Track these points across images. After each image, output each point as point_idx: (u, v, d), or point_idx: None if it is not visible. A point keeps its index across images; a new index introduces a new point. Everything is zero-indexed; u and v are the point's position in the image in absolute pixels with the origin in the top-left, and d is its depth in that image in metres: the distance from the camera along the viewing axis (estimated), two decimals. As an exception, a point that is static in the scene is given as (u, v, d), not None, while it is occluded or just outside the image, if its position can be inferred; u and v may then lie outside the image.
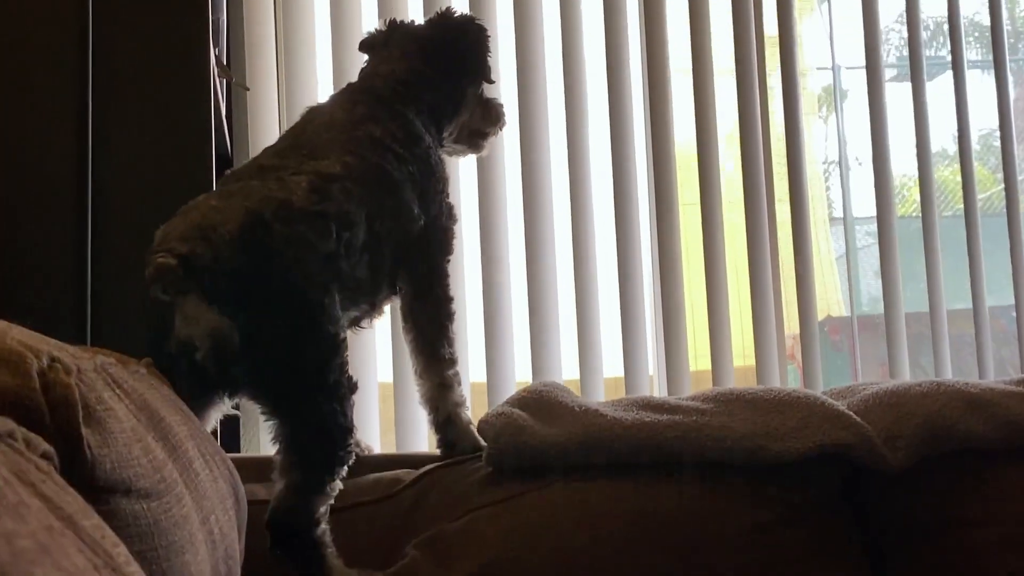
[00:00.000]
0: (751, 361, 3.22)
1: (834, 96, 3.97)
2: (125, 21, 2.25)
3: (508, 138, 2.38)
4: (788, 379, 3.26)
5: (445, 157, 2.10)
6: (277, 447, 1.63)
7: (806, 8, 4.76)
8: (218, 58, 2.46)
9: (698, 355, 3.32)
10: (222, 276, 1.50)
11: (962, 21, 3.45)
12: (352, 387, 1.66)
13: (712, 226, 3.20)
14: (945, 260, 3.33)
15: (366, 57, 2.19)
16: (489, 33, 2.17)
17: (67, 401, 0.95)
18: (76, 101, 2.18)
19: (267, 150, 1.89)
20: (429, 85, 2.05)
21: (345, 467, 1.66)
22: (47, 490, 0.65)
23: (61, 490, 0.68)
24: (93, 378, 1.04)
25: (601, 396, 3.00)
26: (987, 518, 1.85)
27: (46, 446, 0.84)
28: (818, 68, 4.82)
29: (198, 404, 1.63)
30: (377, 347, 2.87)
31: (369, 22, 3.02)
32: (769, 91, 3.30)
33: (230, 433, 2.46)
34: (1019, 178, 3.43)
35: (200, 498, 1.18)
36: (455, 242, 2.04)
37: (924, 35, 3.51)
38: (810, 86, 5.16)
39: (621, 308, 3.11)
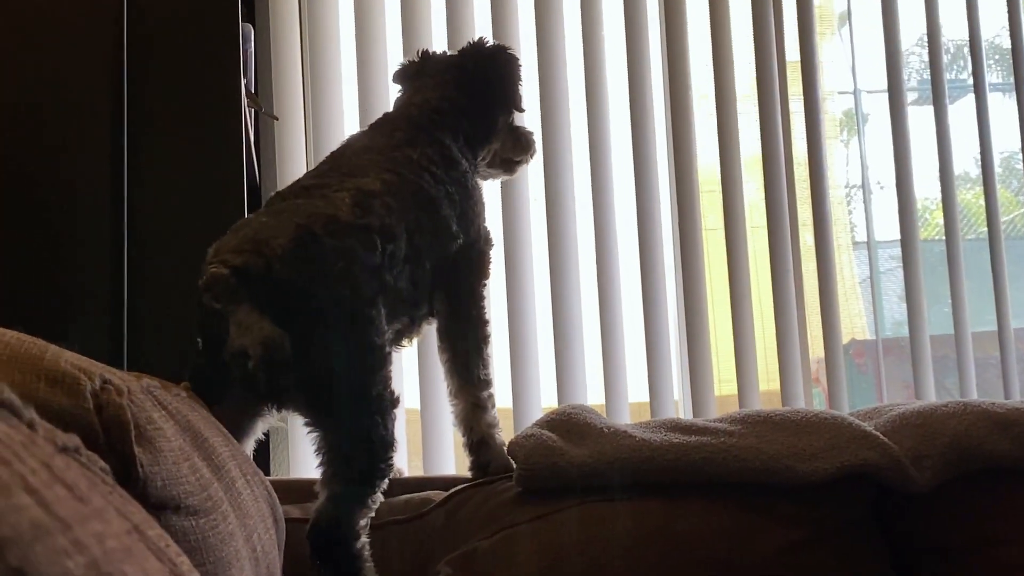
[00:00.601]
0: (776, 385, 3.23)
1: (856, 120, 3.99)
2: (159, 53, 2.30)
3: (532, 165, 2.42)
4: (813, 403, 3.27)
5: (480, 182, 2.15)
6: (320, 459, 1.66)
7: (826, 33, 4.79)
8: (247, 88, 2.51)
9: (722, 380, 3.34)
10: (275, 287, 1.54)
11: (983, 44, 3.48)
12: (394, 401, 1.70)
13: (736, 251, 3.22)
14: (968, 282, 3.34)
15: (395, 87, 2.24)
16: (521, 62, 2.22)
17: (120, 421, 0.99)
18: (112, 131, 2.23)
19: (309, 173, 1.94)
20: (464, 113, 2.09)
21: (385, 480, 1.69)
22: (114, 501, 0.68)
23: (126, 502, 0.72)
24: (142, 399, 1.08)
25: (627, 420, 3.01)
26: (1015, 536, 1.86)
27: (102, 463, 0.88)
28: (839, 93, 4.85)
29: (246, 414, 1.69)
30: (404, 373, 2.91)
31: (394, 52, 3.07)
32: (791, 115, 3.33)
33: (260, 456, 2.49)
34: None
35: (243, 516, 1.22)
36: (491, 266, 2.08)
37: (944, 58, 3.52)
38: (830, 110, 5.18)
39: (646, 333, 3.13)
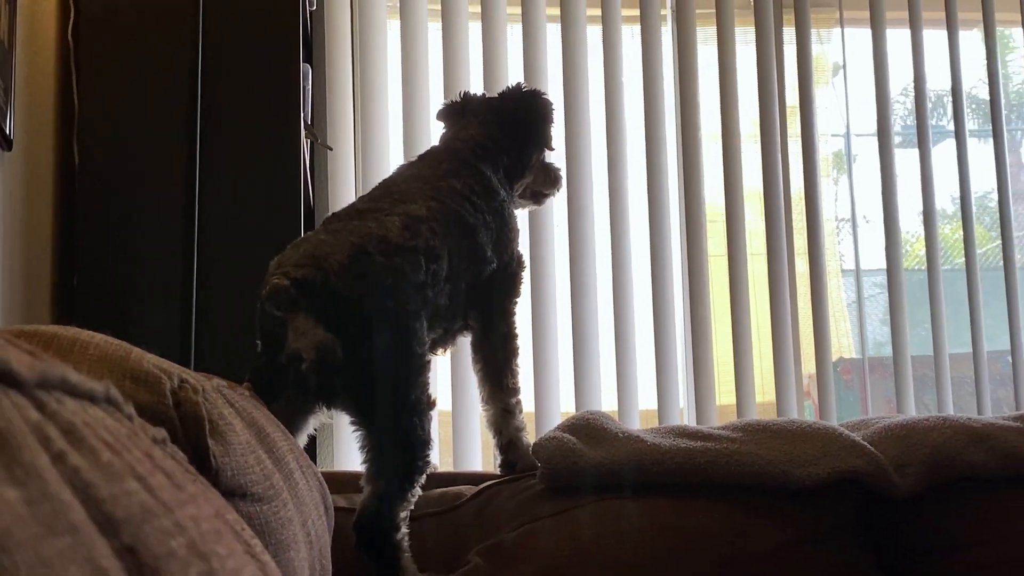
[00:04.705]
0: (771, 397, 3.23)
1: (847, 160, 3.99)
2: (230, 89, 2.32)
3: (558, 196, 2.44)
4: (805, 414, 3.26)
5: (515, 211, 2.15)
6: (364, 456, 1.67)
7: (822, 81, 4.79)
8: (304, 120, 2.53)
9: (723, 391, 3.33)
10: (330, 298, 1.56)
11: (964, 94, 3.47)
12: (431, 404, 1.70)
13: (737, 275, 3.22)
14: (946, 308, 3.33)
15: (437, 123, 2.25)
16: (555, 106, 2.22)
17: (196, 416, 1.00)
18: (187, 158, 2.25)
19: (362, 197, 1.95)
20: (503, 149, 2.09)
21: (423, 476, 1.69)
22: (196, 489, 0.69)
23: (206, 488, 0.72)
24: (214, 397, 1.08)
25: (637, 426, 3.01)
26: (987, 539, 1.86)
27: (181, 454, 0.88)
28: (832, 135, 4.85)
29: (300, 411, 1.69)
30: (438, 379, 2.91)
31: (435, 91, 3.09)
32: (789, 155, 3.34)
33: (307, 450, 2.50)
34: (1016, 235, 3.43)
35: (300, 504, 1.22)
36: (522, 287, 2.08)
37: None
38: (823, 150, 5.16)
39: (655, 347, 3.13)
